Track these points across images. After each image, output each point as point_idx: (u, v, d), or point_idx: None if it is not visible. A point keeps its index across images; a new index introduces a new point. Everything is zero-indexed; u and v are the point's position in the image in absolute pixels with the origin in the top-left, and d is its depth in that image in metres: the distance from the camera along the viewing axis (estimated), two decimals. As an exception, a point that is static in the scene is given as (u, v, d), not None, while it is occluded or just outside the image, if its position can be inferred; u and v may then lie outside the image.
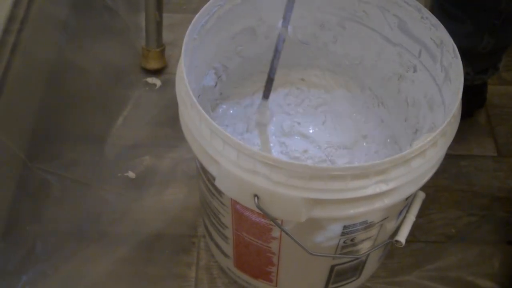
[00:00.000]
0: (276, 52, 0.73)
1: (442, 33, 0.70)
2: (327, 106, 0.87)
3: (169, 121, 1.01)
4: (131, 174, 0.95)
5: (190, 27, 0.71)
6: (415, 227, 0.73)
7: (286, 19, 0.71)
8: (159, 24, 1.05)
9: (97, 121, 1.01)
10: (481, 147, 1.02)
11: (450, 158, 0.98)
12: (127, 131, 1.01)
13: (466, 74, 0.91)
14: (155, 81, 1.08)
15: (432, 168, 0.64)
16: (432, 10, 0.92)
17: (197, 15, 0.73)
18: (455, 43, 0.88)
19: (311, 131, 0.84)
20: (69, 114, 0.99)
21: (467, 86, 0.94)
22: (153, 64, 1.08)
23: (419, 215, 0.73)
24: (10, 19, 0.89)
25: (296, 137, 0.84)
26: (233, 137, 0.58)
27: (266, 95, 0.78)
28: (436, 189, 0.96)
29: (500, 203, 0.95)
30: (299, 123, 0.85)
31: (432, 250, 0.90)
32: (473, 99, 1.01)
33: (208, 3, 0.73)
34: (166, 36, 1.10)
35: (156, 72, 1.09)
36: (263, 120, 0.82)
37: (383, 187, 0.59)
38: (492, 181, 0.98)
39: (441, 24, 0.70)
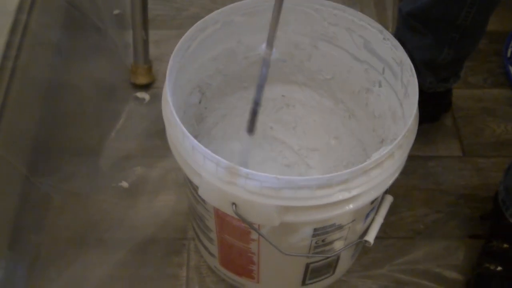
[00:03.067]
0: (261, 79, 0.70)
1: (401, 54, 0.77)
2: (303, 117, 0.95)
3: (158, 132, 1.08)
4: (124, 184, 1.01)
5: (174, 52, 0.77)
6: (387, 224, 0.81)
7: (269, 43, 0.69)
8: (145, 42, 1.12)
9: (91, 135, 1.07)
10: (448, 148, 1.09)
11: (419, 159, 1.07)
12: (120, 143, 1.07)
13: (429, 83, 0.99)
14: (144, 95, 1.15)
15: (391, 176, 0.70)
16: (398, 25, 1.00)
17: (180, 41, 0.79)
18: (418, 55, 0.96)
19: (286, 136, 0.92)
20: (66, 130, 1.05)
21: (432, 93, 1.02)
22: (142, 80, 1.15)
23: (390, 213, 0.81)
24: (8, 46, 0.95)
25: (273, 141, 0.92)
26: (212, 153, 0.66)
27: (250, 129, 0.75)
28: (406, 189, 1.03)
29: (465, 200, 1.03)
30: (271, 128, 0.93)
31: (402, 245, 0.97)
32: (438, 104, 1.08)
33: (191, 29, 0.80)
34: (153, 51, 1.17)
35: (145, 87, 1.16)
36: (244, 157, 0.84)
37: (346, 195, 0.66)
38: (458, 180, 1.05)
39: (400, 46, 0.76)
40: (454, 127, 1.12)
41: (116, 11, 1.27)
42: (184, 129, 0.68)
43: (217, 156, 0.65)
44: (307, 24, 0.86)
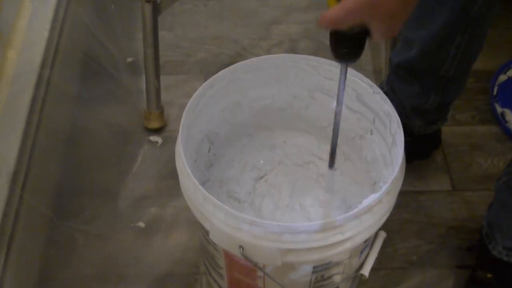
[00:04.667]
0: (335, 128, 0.81)
1: (388, 107, 0.85)
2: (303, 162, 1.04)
3: (171, 174, 1.15)
4: (141, 224, 1.10)
5: (186, 110, 0.85)
6: (382, 256, 0.88)
7: (339, 102, 0.77)
8: (158, 90, 1.21)
9: (110, 177, 1.16)
10: (438, 182, 1.17)
11: (411, 194, 1.16)
12: (136, 185, 1.16)
13: (418, 126, 1.08)
14: (157, 139, 1.23)
15: (381, 218, 0.78)
16: (389, 73, 1.09)
17: (191, 99, 0.87)
18: (407, 101, 1.05)
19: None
20: (86, 173, 1.14)
21: (422, 135, 1.11)
22: (154, 124, 1.24)
23: (385, 245, 0.88)
24: (33, 100, 1.05)
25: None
26: (221, 204, 0.75)
27: (331, 164, 0.86)
28: (399, 222, 1.12)
29: (454, 232, 1.11)
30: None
31: (397, 275, 1.06)
32: (428, 143, 1.17)
33: (201, 87, 0.88)
34: (163, 96, 1.25)
35: (157, 131, 1.24)
36: (329, 188, 0.96)
37: (340, 237, 0.75)
38: (448, 213, 1.13)
39: (388, 99, 0.85)
40: (444, 162, 1.21)
41: (129, 59, 1.37)
42: (196, 182, 0.77)
43: (225, 207, 0.74)
44: (305, 78, 0.95)
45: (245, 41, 1.42)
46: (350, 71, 0.89)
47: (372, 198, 0.76)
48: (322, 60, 0.91)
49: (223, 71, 0.91)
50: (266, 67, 0.92)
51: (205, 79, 1.32)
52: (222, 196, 1.00)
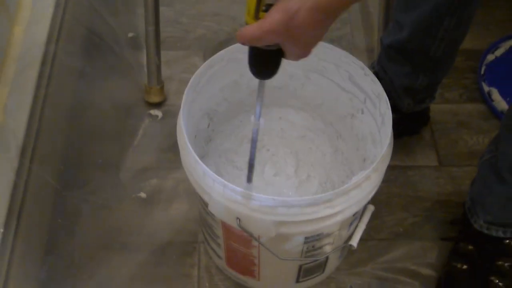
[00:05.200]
0: (253, 142, 0.85)
1: (379, 88, 0.90)
2: (298, 136, 1.09)
3: (171, 147, 1.22)
4: (142, 195, 1.15)
5: (187, 88, 0.89)
6: (370, 228, 0.94)
7: (256, 113, 0.82)
8: (158, 66, 1.26)
9: (112, 150, 1.20)
10: (426, 158, 1.22)
11: (400, 169, 1.21)
12: (137, 157, 1.21)
13: (407, 105, 1.14)
14: (157, 112, 1.28)
15: (368, 194, 0.84)
16: (380, 53, 1.14)
17: (192, 77, 0.91)
18: (398, 81, 1.10)
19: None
20: (90, 146, 1.19)
21: (411, 112, 1.16)
22: (155, 98, 1.28)
23: (373, 217, 0.93)
24: (40, 76, 1.09)
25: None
26: (220, 178, 0.80)
27: (249, 179, 0.90)
28: (388, 195, 1.17)
29: (439, 206, 1.16)
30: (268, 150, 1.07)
31: (384, 246, 1.11)
32: (417, 120, 1.22)
33: (201, 67, 0.92)
34: (163, 71, 1.28)
35: (158, 105, 1.28)
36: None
37: (330, 211, 0.80)
38: (434, 187, 1.19)
39: (378, 81, 0.90)
40: (431, 139, 1.25)
41: (130, 34, 1.40)
42: (197, 157, 0.82)
43: (224, 181, 0.80)
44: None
45: (242, 18, 1.44)
46: (343, 53, 0.94)
47: (360, 175, 0.82)
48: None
49: (222, 51, 0.95)
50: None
51: (204, 55, 1.39)
52: (222, 165, 1.06)
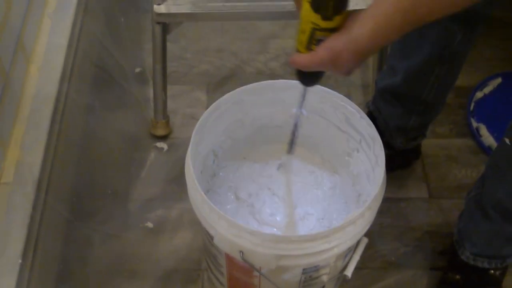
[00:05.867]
0: (294, 128, 0.98)
1: (373, 131, 0.96)
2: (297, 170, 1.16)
3: (176, 178, 1.28)
4: (149, 224, 1.22)
5: (194, 130, 0.96)
6: (364, 257, 0.99)
7: (299, 106, 0.94)
8: (164, 102, 1.33)
9: (120, 181, 1.27)
10: (417, 190, 1.29)
11: (392, 201, 1.28)
12: (144, 188, 1.28)
13: (400, 143, 1.21)
14: (163, 145, 1.35)
15: (363, 230, 0.90)
16: (375, 95, 1.21)
17: (200, 119, 0.98)
18: (391, 121, 1.17)
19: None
20: (99, 178, 1.25)
21: (403, 149, 1.23)
22: (161, 132, 1.35)
23: (367, 247, 0.99)
24: (54, 112, 1.15)
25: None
26: (225, 215, 0.87)
27: (289, 151, 1.02)
28: (381, 226, 1.23)
29: (430, 236, 1.23)
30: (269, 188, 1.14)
31: (377, 274, 1.18)
32: (409, 155, 1.29)
33: (208, 109, 0.99)
34: (168, 105, 1.36)
35: (163, 138, 1.35)
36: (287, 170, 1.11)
37: (327, 246, 0.87)
38: (425, 218, 1.25)
39: (373, 124, 0.96)
40: (422, 172, 1.32)
41: (137, 69, 1.47)
42: (204, 195, 0.89)
43: (229, 217, 0.87)
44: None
45: (244, 55, 1.54)
46: (341, 97, 1.01)
47: (355, 213, 0.89)
48: (318, 86, 1.02)
49: (227, 95, 1.02)
50: (266, 91, 1.04)
51: (207, 90, 1.47)
52: (225, 197, 1.12)
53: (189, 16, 1.22)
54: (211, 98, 1.45)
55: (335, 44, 0.70)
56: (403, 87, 1.10)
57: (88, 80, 1.34)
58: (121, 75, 1.42)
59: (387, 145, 1.17)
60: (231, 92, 1.02)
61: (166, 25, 1.23)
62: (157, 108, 1.33)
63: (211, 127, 1.02)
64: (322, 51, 0.71)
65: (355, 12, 0.70)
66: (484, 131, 1.37)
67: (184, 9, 1.20)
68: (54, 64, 1.21)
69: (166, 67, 1.28)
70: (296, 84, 1.02)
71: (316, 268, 0.94)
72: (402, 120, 1.16)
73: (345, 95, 1.31)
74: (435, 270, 1.18)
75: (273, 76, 1.51)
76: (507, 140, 0.92)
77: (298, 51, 0.75)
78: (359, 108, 0.99)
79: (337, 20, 0.70)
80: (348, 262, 1.00)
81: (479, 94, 1.43)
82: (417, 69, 1.06)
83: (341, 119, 1.04)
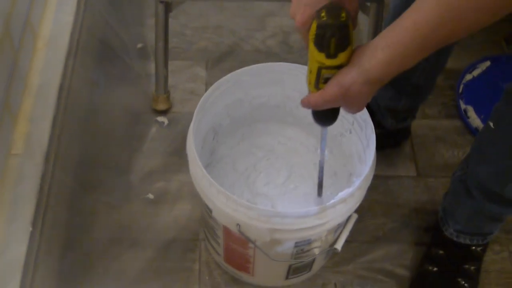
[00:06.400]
0: (320, 172, 1.00)
1: (365, 116, 1.01)
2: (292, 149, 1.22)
3: (176, 151, 1.33)
4: (150, 196, 1.27)
5: (197, 109, 1.00)
6: (354, 231, 1.05)
7: (322, 149, 0.95)
8: (165, 77, 1.38)
9: (123, 154, 1.32)
10: (405, 169, 1.35)
11: (382, 178, 1.33)
12: (146, 161, 1.33)
13: (390, 123, 1.26)
14: (164, 119, 1.40)
15: (352, 208, 0.96)
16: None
17: (202, 98, 1.02)
18: (382, 102, 1.23)
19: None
20: (103, 151, 1.31)
21: (393, 129, 1.29)
22: (162, 106, 1.40)
23: (357, 222, 1.04)
24: (60, 88, 1.20)
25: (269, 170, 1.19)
26: (223, 189, 0.93)
27: (319, 193, 1.06)
28: (370, 202, 1.29)
29: (416, 213, 1.29)
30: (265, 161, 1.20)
31: (365, 248, 1.24)
32: (399, 135, 1.35)
33: (210, 89, 1.03)
34: (168, 80, 1.40)
35: (164, 112, 1.40)
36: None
37: (318, 222, 0.93)
38: (412, 196, 1.31)
39: (365, 108, 1.00)
40: (411, 151, 1.38)
41: (139, 45, 1.52)
42: (204, 171, 0.94)
43: (227, 192, 0.92)
44: (298, 83, 1.10)
45: (242, 32, 1.58)
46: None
47: (346, 192, 0.94)
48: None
49: (229, 75, 1.06)
50: (265, 72, 1.09)
51: (206, 66, 1.51)
52: (223, 170, 1.18)
53: (191, -4, 1.26)
54: (210, 74, 1.50)
55: (344, 78, 0.72)
56: (395, 71, 1.15)
57: (93, 55, 1.39)
58: (124, 50, 1.47)
59: (378, 125, 1.23)
60: (232, 73, 1.06)
61: (168, 4, 1.27)
62: (158, 83, 1.38)
63: (212, 105, 1.07)
64: (331, 87, 0.73)
65: (361, 46, 0.72)
66: (471, 113, 1.42)
67: (187, -12, 1.24)
68: (61, 40, 1.26)
69: (168, 44, 1.33)
70: (295, 67, 1.09)
71: (308, 242, 1.00)
72: (393, 102, 1.21)
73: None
74: (420, 245, 1.24)
75: (270, 53, 1.55)
76: (491, 124, 0.97)
77: (309, 91, 0.78)
78: None
79: (341, 57, 0.72)
80: (338, 236, 1.06)
81: (468, 77, 1.48)
82: None
83: (335, 101, 1.09)
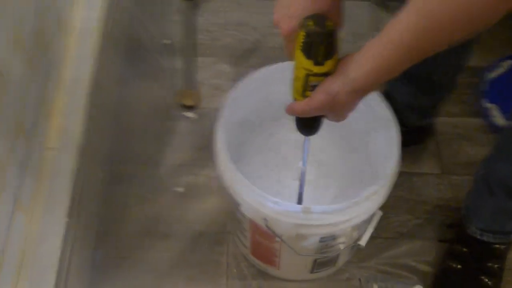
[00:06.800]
0: (301, 182, 1.01)
1: (391, 114, 1.04)
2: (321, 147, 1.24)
3: (203, 146, 1.35)
4: (180, 189, 1.30)
5: (225, 104, 1.04)
6: (378, 227, 1.06)
7: (304, 160, 0.97)
8: (194, 73, 1.41)
9: (152, 148, 1.36)
10: (429, 166, 1.36)
11: (406, 175, 1.35)
12: (174, 155, 1.36)
13: (412, 121, 1.28)
14: (191, 114, 1.43)
15: (376, 205, 0.98)
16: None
17: (229, 94, 1.06)
18: (403, 99, 1.24)
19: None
20: (133, 145, 1.35)
21: (416, 127, 1.30)
22: (190, 102, 1.43)
23: (382, 218, 1.06)
24: (92, 83, 1.24)
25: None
26: (253, 186, 0.95)
27: (299, 202, 1.04)
28: (395, 199, 1.30)
29: (439, 210, 1.30)
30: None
31: (389, 244, 1.26)
32: (422, 132, 1.36)
33: (237, 85, 1.07)
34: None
35: (191, 107, 1.43)
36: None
37: (343, 218, 0.95)
38: (435, 193, 1.33)
39: (390, 108, 1.03)
40: (436, 149, 1.39)
41: (165, 41, 1.55)
42: (233, 166, 0.97)
43: (255, 187, 0.95)
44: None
45: (264, 29, 1.60)
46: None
47: (370, 189, 0.97)
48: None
49: (255, 72, 1.09)
50: (288, 69, 1.11)
51: (231, 62, 1.53)
52: (252, 167, 1.20)
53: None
54: (235, 70, 1.52)
55: (330, 86, 0.74)
56: (415, 67, 1.16)
57: (122, 51, 1.43)
58: (152, 46, 1.50)
59: (402, 122, 1.24)
60: (258, 70, 1.09)
61: (196, 1, 1.30)
62: (187, 79, 1.41)
63: (239, 101, 1.09)
64: (318, 95, 0.75)
65: (348, 55, 0.74)
66: (495, 111, 1.43)
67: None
68: (91, 37, 1.29)
69: (196, 41, 1.36)
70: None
71: (333, 237, 1.03)
72: (415, 99, 1.23)
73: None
74: (443, 242, 1.26)
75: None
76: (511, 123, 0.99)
77: (294, 99, 0.80)
78: (380, 93, 1.07)
79: (328, 64, 0.74)
80: (363, 233, 1.08)
81: (491, 75, 1.49)
82: None
83: (363, 101, 1.11)
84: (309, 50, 0.74)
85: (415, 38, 0.64)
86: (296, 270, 1.19)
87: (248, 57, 1.55)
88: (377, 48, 0.68)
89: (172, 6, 1.61)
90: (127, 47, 1.45)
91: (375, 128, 1.12)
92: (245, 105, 1.13)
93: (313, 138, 1.23)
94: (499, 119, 1.42)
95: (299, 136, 1.24)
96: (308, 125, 0.87)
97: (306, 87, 0.78)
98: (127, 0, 1.47)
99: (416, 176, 1.36)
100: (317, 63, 0.74)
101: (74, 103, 1.19)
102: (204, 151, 1.37)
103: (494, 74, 1.50)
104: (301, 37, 0.74)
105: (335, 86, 0.74)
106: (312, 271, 1.17)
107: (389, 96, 1.24)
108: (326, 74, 0.75)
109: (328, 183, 1.20)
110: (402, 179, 1.34)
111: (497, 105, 1.44)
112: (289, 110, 0.81)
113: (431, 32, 0.63)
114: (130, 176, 1.30)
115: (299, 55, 0.75)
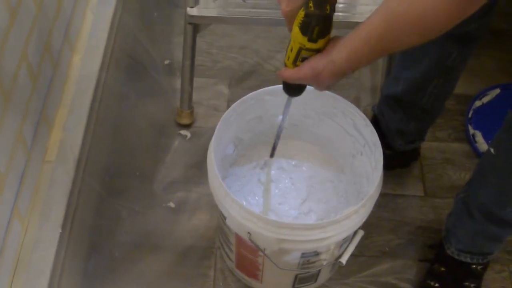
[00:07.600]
0: (277, 137, 1.13)
1: (376, 138, 1.08)
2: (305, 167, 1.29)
3: (196, 164, 1.41)
4: (171, 204, 1.35)
5: (220, 122, 1.09)
6: (361, 245, 1.11)
7: (284, 114, 1.06)
8: (190, 93, 1.46)
9: (147, 164, 1.41)
10: (413, 189, 1.41)
11: (391, 196, 1.40)
12: (168, 171, 1.41)
13: (399, 145, 1.33)
14: (186, 133, 1.48)
15: (357, 224, 1.03)
16: (380, 100, 1.33)
17: (225, 114, 1.10)
18: (392, 125, 1.30)
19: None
20: (129, 160, 1.39)
21: (402, 151, 1.36)
22: (185, 121, 1.48)
23: (365, 237, 1.11)
24: (93, 99, 1.29)
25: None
26: (237, 200, 1.00)
27: (271, 155, 1.18)
28: (378, 219, 1.35)
29: (422, 231, 1.34)
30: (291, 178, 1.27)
31: (371, 262, 1.30)
32: (408, 156, 1.41)
33: (233, 105, 1.12)
34: (193, 96, 1.47)
35: (187, 126, 1.48)
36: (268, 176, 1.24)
37: (324, 235, 1.00)
38: (418, 214, 1.37)
39: (376, 132, 1.08)
40: (420, 172, 1.44)
41: (166, 61, 1.61)
42: (221, 181, 1.02)
43: (241, 203, 1.00)
44: (315, 103, 1.19)
45: (264, 53, 1.66)
46: (351, 105, 1.12)
47: (351, 209, 1.02)
48: (328, 93, 1.14)
49: (252, 93, 1.14)
50: (282, 93, 1.16)
51: (230, 84, 1.59)
52: (242, 184, 1.24)
53: (218, 20, 1.35)
54: (233, 92, 1.57)
55: (317, 64, 0.84)
56: (405, 95, 1.22)
57: (123, 70, 1.48)
58: (152, 66, 1.56)
59: (388, 146, 1.31)
60: (254, 92, 1.15)
61: (197, 25, 1.36)
62: (183, 99, 1.46)
63: (234, 121, 1.15)
64: (305, 69, 0.86)
65: (336, 38, 0.84)
66: (479, 137, 1.48)
67: (214, 12, 1.32)
68: (95, 55, 1.35)
69: (194, 63, 1.41)
70: (312, 89, 1.16)
71: (314, 253, 1.07)
72: (403, 125, 1.28)
73: (355, 97, 1.45)
74: (423, 262, 1.30)
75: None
76: (492, 150, 1.04)
77: (285, 65, 0.90)
78: (365, 116, 1.11)
79: (320, 43, 0.84)
80: (344, 250, 1.12)
81: (478, 103, 1.54)
82: (417, 80, 1.18)
83: (349, 124, 1.16)
84: (305, 29, 0.82)
85: (380, 37, 0.75)
86: (278, 285, 1.23)
87: (247, 80, 1.61)
88: (352, 40, 0.79)
89: (174, 27, 1.67)
90: (129, 66, 1.50)
91: (360, 151, 1.16)
92: (239, 124, 1.18)
93: (305, 159, 1.29)
94: (482, 145, 1.47)
95: (291, 152, 1.30)
96: (293, 89, 0.98)
97: (297, 58, 0.87)
98: (131, 22, 1.53)
99: (400, 198, 1.40)
100: (311, 40, 0.83)
101: (75, 118, 1.23)
102: (197, 169, 1.42)
103: (480, 102, 1.55)
104: (300, 15, 0.82)
105: (320, 64, 0.84)
106: (293, 286, 1.21)
107: (378, 121, 1.30)
108: (317, 51, 0.85)
109: (313, 203, 1.24)
110: (387, 200, 1.39)
111: (481, 132, 1.49)
112: (280, 74, 0.92)
113: (391, 33, 0.74)
114: (125, 190, 1.35)
115: (296, 30, 0.83)
